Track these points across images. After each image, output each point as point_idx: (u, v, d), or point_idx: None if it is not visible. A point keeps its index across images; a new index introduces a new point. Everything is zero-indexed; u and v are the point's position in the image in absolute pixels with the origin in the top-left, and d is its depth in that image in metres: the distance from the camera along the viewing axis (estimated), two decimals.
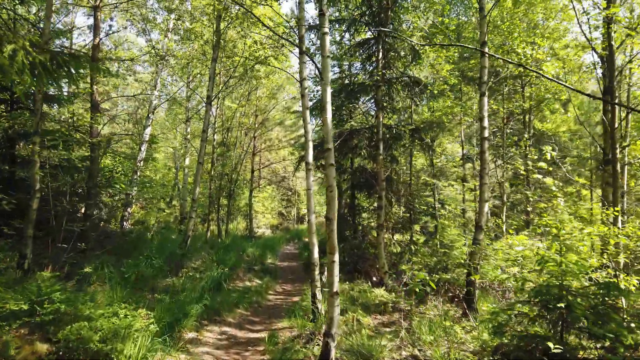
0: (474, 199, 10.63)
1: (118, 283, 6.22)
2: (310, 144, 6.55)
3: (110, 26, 12.79)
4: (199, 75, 12.96)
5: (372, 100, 10.21)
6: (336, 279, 4.69)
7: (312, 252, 6.68)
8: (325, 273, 5.70)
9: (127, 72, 12.76)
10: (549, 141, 14.13)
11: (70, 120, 8.51)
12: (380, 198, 8.82)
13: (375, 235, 9.13)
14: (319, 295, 6.49)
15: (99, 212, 9.48)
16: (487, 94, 6.89)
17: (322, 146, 11.70)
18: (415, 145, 10.50)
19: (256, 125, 16.86)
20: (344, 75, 13.24)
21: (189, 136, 14.83)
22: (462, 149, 12.50)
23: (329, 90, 5.14)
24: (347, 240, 11.61)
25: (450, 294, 8.52)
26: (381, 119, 9.26)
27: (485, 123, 6.75)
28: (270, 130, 18.46)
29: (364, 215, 12.16)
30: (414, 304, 7.81)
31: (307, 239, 22.30)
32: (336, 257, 4.87)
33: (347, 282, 9.01)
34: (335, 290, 4.57)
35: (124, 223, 11.96)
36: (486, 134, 6.79)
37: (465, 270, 8.32)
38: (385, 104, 9.70)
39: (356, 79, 10.85)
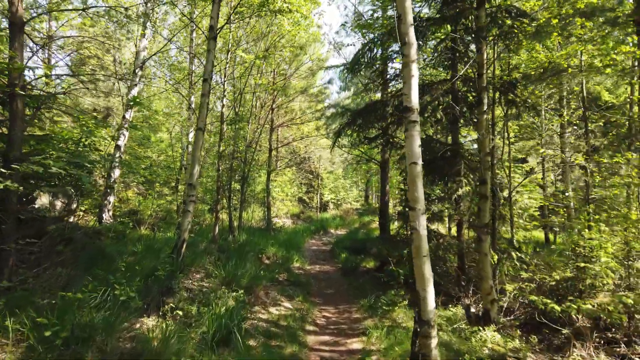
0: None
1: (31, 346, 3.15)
2: (415, 68, 3.25)
3: None
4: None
5: (460, 34, 6.74)
6: None
7: (422, 302, 3.49)
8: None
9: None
10: None
11: None
12: (484, 182, 5.47)
13: (476, 240, 5.85)
14: None
15: (50, 201, 6.45)
16: None
17: (360, 115, 8.35)
18: (515, 105, 7.04)
19: (275, 93, 13.54)
20: None
21: (192, 96, 11.56)
22: (585, 112, 8.78)
23: None
24: (407, 243, 8.36)
25: (604, 336, 5.26)
26: (485, 56, 5.81)
27: None
28: (291, 100, 15.16)
29: (433, 207, 8.86)
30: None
31: (334, 231, 19.18)
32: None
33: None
34: None
35: (103, 215, 8.94)
36: None
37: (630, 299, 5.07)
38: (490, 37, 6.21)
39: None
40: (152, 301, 4.65)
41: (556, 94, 10.20)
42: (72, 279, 4.91)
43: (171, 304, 4.67)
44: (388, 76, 9.42)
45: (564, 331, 5.23)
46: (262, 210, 15.76)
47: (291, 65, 14.48)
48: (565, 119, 9.91)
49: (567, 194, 9.16)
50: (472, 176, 6.79)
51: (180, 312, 4.55)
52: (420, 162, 3.78)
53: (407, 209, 9.22)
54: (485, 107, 5.48)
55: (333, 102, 16.40)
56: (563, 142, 9.95)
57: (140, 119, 18.28)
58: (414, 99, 3.70)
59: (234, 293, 5.75)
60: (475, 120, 6.11)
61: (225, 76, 10.05)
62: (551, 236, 12.55)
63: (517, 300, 6.12)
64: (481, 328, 5.27)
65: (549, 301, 5.22)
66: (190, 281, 5.83)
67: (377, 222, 17.38)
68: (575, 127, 10.60)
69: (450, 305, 6.31)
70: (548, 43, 7.72)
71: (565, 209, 9.32)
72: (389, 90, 10.50)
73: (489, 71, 6.39)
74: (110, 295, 4.26)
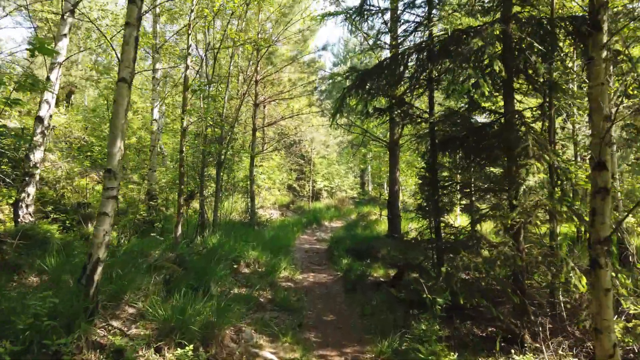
0: None
1: None
2: None
3: None
4: None
5: None
6: None
7: None
8: None
9: None
10: None
11: None
12: (601, 167, 3.19)
13: (591, 266, 3.60)
14: None
15: None
16: None
17: (371, 77, 6.19)
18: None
19: (258, 58, 11.03)
20: None
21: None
22: None
23: None
24: (436, 250, 6.14)
25: None
26: None
27: None
28: (278, 70, 12.69)
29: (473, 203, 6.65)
30: None
31: (329, 223, 16.88)
32: None
33: None
34: None
35: (20, 213, 6.51)
36: None
37: None
38: None
39: None
40: None
41: None
42: None
43: None
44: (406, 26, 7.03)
45: None
46: (244, 200, 13.41)
47: (277, 28, 11.95)
48: None
49: None
50: (546, 158, 4.53)
51: None
52: None
53: (429, 202, 6.99)
54: (605, 37, 3.20)
55: (327, 75, 14.01)
56: None
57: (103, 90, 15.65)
58: None
59: (178, 350, 3.47)
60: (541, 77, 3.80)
61: (190, 27, 7.52)
62: None
63: None
64: None
65: None
66: (103, 331, 3.51)
67: (379, 213, 15.21)
68: None
69: (515, 353, 4.15)
70: None
71: None
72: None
73: None
74: None
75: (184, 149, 7.51)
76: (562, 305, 4.95)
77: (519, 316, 4.72)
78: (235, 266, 7.05)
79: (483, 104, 5.76)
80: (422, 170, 7.13)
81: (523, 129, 5.21)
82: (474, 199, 6.54)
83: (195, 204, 13.23)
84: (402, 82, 6.94)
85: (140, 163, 13.30)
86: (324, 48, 14.36)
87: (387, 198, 11.41)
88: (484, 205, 6.93)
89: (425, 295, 4.57)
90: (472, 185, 6.06)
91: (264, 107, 17.30)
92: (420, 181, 7.05)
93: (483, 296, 4.63)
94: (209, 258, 6.81)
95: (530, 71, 5.19)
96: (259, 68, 12.81)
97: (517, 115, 5.26)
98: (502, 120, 5.54)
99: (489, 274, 4.68)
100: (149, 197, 11.57)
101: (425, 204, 6.82)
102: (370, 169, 24.74)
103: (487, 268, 4.63)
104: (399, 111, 6.66)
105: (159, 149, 16.04)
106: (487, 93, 4.43)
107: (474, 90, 5.13)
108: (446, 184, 6.28)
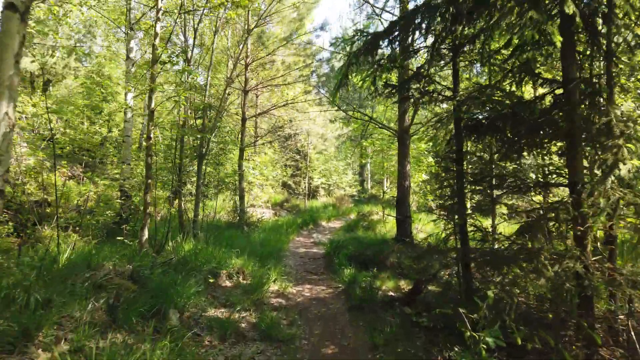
0: None
1: None
2: None
3: None
4: None
5: None
6: None
7: None
8: None
9: None
10: None
11: None
12: None
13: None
14: None
15: None
16: None
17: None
18: None
19: (245, 38, 9.63)
20: None
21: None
22: None
23: None
24: (462, 261, 4.80)
25: None
26: None
27: None
28: (270, 53, 11.31)
29: (513, 203, 5.35)
30: None
31: (327, 223, 15.49)
32: None
33: None
34: None
35: None
36: None
37: None
38: None
39: None
40: None
41: None
42: None
43: None
44: None
45: None
46: (232, 198, 12.02)
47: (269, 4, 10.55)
48: None
49: None
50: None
51: None
52: None
53: (453, 199, 5.67)
54: None
55: (325, 59, 12.67)
56: None
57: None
58: None
59: None
60: None
61: None
62: None
63: None
64: None
65: None
66: None
67: (381, 212, 13.88)
68: None
69: None
70: None
71: None
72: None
73: None
74: None
75: (152, 136, 6.12)
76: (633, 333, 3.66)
77: (586, 343, 3.41)
78: (211, 280, 5.68)
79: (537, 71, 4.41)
80: (441, 161, 5.79)
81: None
82: (511, 196, 5.21)
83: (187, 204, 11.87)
84: (419, 52, 5.63)
85: (121, 158, 11.87)
86: (322, 28, 13.01)
87: (395, 195, 10.08)
88: (520, 203, 5.62)
89: (466, 333, 3.23)
90: (513, 178, 4.72)
91: (257, 97, 15.92)
92: (443, 173, 5.72)
93: (548, 331, 3.30)
94: (179, 270, 5.45)
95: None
96: (249, 51, 11.43)
97: (582, 85, 3.95)
98: (557, 93, 4.22)
99: (554, 300, 3.35)
100: (122, 194, 10.18)
101: (447, 202, 5.50)
102: (369, 165, 23.42)
103: (553, 293, 3.30)
104: (421, 86, 5.31)
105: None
106: (558, 44, 3.09)
107: (530, 50, 3.78)
108: (477, 177, 4.93)
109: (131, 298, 4.09)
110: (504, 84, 4.75)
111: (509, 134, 4.79)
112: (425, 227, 10.94)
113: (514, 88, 4.59)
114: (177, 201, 9.31)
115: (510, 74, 4.52)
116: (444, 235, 5.18)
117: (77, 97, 14.61)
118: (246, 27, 9.74)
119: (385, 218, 12.70)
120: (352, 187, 21.53)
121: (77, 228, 8.37)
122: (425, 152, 12.65)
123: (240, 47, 10.38)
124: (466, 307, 4.65)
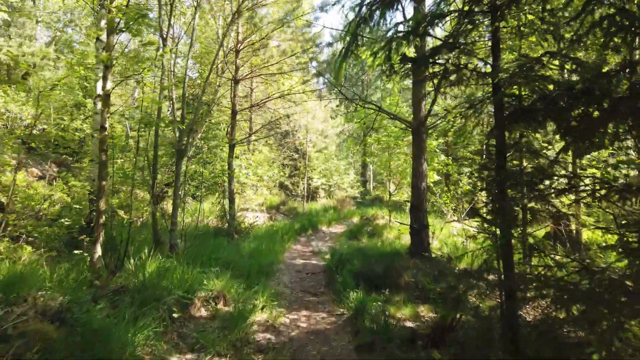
0: None
1: None
2: None
3: None
4: None
5: None
6: None
7: None
8: None
9: None
10: None
11: None
12: None
13: None
14: None
15: None
16: None
17: None
18: None
19: (236, 14, 8.33)
20: None
21: None
22: None
23: None
24: (506, 290, 3.49)
25: None
26: None
27: None
28: (264, 37, 10.03)
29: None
30: None
31: (327, 228, 14.19)
32: None
33: None
34: None
35: None
36: None
37: None
38: None
39: None
40: None
41: None
42: None
43: None
44: None
45: None
46: (220, 201, 10.72)
47: None
48: None
49: None
50: None
51: None
52: None
53: (495, 206, 4.36)
54: None
55: (326, 43, 11.42)
56: None
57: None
58: None
59: None
60: None
61: None
62: None
63: None
64: None
65: None
66: None
67: (386, 216, 12.59)
68: None
69: None
70: None
71: None
72: None
73: None
74: None
75: (106, 125, 4.82)
76: None
77: None
78: (176, 315, 4.38)
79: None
80: (479, 157, 4.49)
81: None
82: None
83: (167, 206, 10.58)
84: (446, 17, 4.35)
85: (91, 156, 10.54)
86: (322, 8, 11.72)
87: (402, 198, 8.77)
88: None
89: None
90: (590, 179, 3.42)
91: (252, 90, 14.62)
92: (476, 173, 4.42)
93: None
94: (135, 300, 4.15)
95: None
96: (240, 35, 10.14)
97: None
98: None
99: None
100: (92, 197, 8.86)
101: (487, 210, 4.19)
102: (371, 165, 22.11)
103: None
104: (449, 57, 4.02)
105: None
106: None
107: None
108: (537, 178, 3.62)
109: (42, 355, 2.79)
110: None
111: (575, 121, 3.49)
112: (438, 234, 9.64)
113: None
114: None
115: (588, 34, 3.19)
116: (485, 256, 3.87)
117: (60, 90, 13.33)
118: (237, 7, 8.46)
119: (393, 222, 11.41)
120: (354, 188, 20.19)
121: (33, 239, 7.07)
122: (437, 150, 11.34)
123: (228, 30, 9.10)
124: (510, 352, 3.42)
